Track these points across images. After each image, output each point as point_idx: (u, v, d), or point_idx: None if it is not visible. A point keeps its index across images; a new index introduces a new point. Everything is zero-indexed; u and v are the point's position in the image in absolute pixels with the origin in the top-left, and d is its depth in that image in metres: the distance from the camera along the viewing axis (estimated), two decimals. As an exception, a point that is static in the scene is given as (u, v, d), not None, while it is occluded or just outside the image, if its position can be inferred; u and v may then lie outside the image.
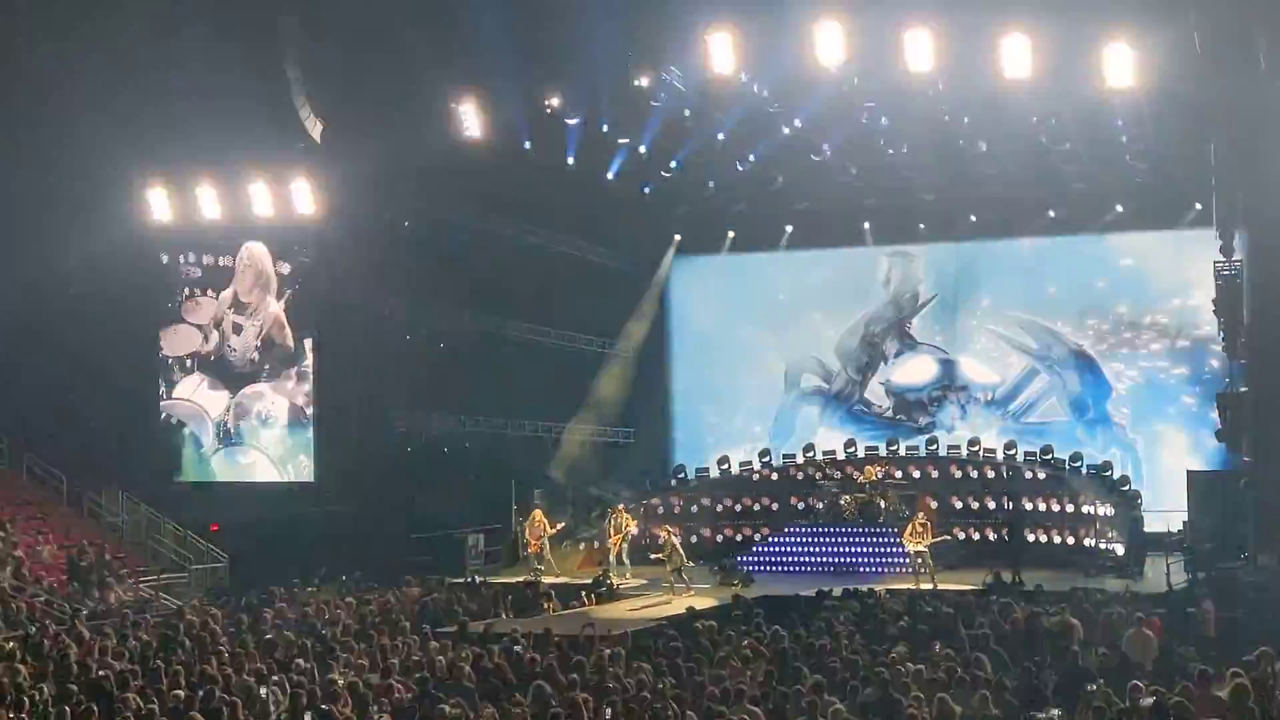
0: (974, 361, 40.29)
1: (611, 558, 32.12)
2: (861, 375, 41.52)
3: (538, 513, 33.64)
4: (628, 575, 31.59)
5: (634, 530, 32.63)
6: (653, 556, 29.78)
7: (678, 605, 26.66)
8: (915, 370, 40.92)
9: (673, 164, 35.40)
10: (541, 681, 15.95)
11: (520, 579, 30.78)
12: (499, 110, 31.36)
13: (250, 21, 32.79)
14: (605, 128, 32.00)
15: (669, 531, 30.38)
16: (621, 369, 41.88)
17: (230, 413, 36.94)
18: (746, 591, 27.96)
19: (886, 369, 41.23)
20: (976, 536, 33.69)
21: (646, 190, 38.36)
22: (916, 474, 35.08)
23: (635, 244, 42.24)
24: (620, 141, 33.26)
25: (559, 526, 33.61)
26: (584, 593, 28.98)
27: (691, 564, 30.81)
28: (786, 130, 32.02)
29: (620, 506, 33.07)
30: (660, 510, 36.03)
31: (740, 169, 36.07)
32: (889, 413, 40.98)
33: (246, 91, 32.39)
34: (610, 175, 36.00)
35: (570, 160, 33.98)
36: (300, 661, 18.31)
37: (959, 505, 34.42)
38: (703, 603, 26.99)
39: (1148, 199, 36.44)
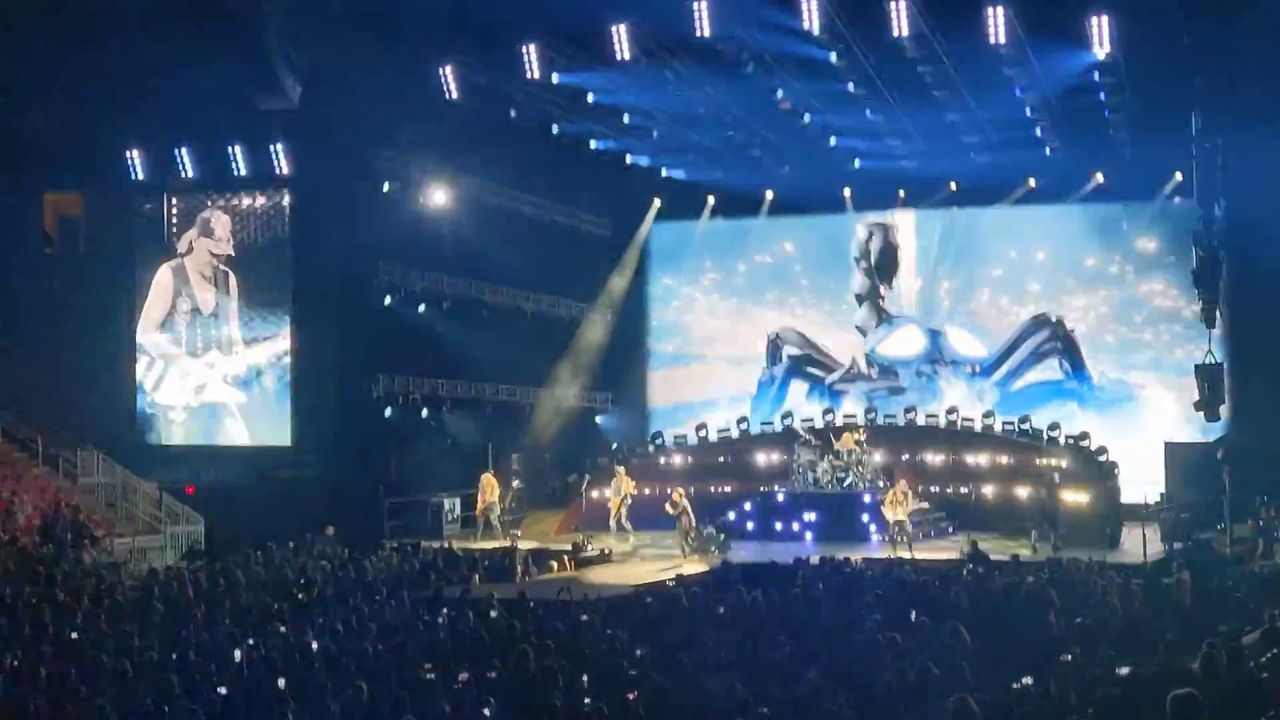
0: (958, 331, 40.26)
1: (611, 522, 32.14)
2: (844, 343, 41.50)
3: (487, 476, 33.56)
4: (630, 539, 31.63)
5: (633, 493, 32.55)
6: (669, 511, 29.85)
7: (674, 569, 26.82)
8: (900, 340, 40.86)
9: (654, 131, 35.27)
10: (525, 646, 15.90)
11: (495, 544, 30.73)
12: (481, 74, 31.16)
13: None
14: (589, 95, 31.84)
15: (681, 494, 30.35)
16: (601, 334, 41.79)
17: (207, 375, 36.79)
18: (726, 559, 27.95)
19: (870, 338, 41.16)
20: (956, 505, 33.91)
21: (628, 156, 38.21)
22: (896, 442, 35.12)
23: (616, 209, 42.12)
24: (602, 107, 33.08)
25: (507, 495, 33.73)
26: (565, 557, 28.96)
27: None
28: (768, 97, 31.89)
29: (622, 470, 33.00)
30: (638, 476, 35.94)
31: (721, 135, 35.96)
32: (871, 382, 40.93)
33: (226, 53, 32.12)
34: (592, 141, 35.85)
35: (553, 125, 33.84)
36: (276, 624, 18.28)
37: (937, 473, 34.58)
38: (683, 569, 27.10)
39: (1128, 168, 36.46)
